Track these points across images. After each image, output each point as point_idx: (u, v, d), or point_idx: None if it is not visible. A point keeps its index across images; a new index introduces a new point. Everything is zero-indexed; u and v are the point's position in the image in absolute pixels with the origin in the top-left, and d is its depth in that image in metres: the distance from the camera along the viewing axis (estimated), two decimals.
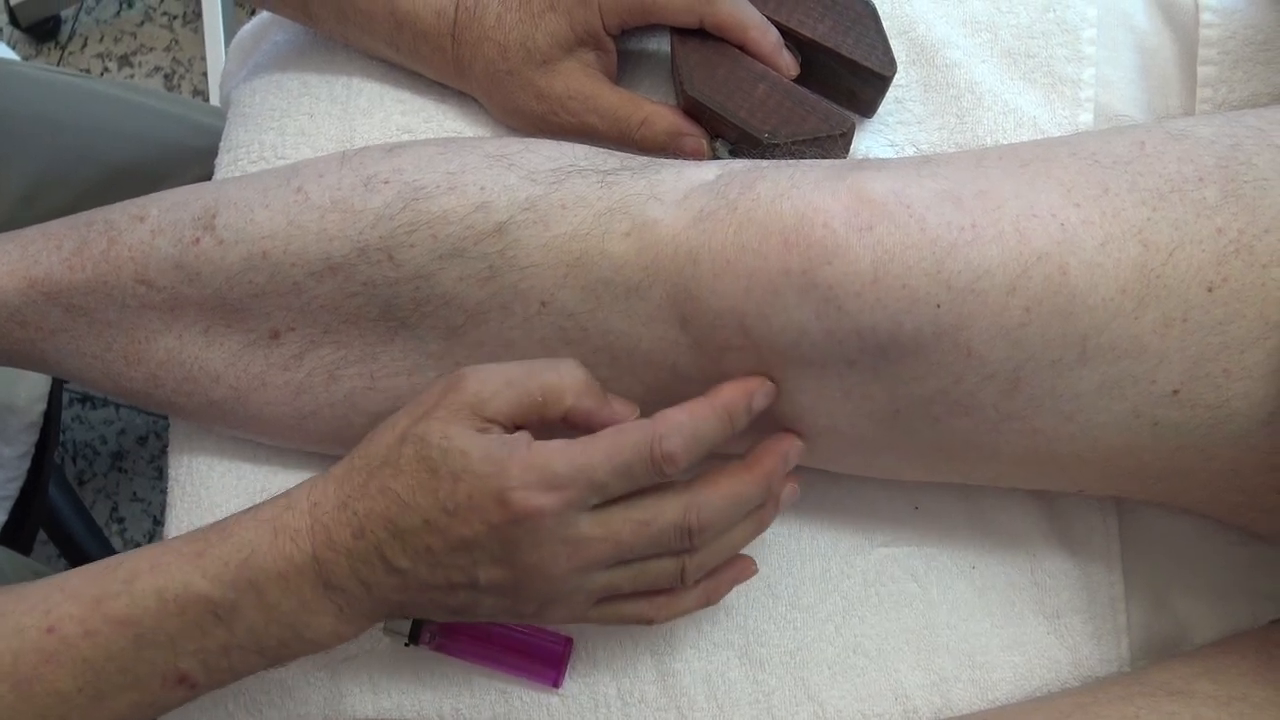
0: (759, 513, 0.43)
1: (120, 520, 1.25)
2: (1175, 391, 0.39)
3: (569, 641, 0.49)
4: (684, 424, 0.39)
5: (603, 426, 0.39)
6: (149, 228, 0.46)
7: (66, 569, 0.41)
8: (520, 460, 0.37)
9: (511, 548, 0.38)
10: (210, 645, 0.39)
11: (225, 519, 0.41)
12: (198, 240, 0.45)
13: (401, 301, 0.44)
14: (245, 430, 0.50)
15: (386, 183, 0.44)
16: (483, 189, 0.43)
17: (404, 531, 0.38)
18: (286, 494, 0.41)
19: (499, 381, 0.39)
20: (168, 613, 0.39)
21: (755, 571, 0.46)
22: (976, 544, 0.50)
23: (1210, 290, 0.38)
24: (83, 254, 0.46)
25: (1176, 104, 0.52)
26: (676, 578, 0.42)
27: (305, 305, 0.45)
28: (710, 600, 0.44)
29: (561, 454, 0.38)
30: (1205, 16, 0.52)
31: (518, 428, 0.40)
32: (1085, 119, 0.52)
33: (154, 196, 0.48)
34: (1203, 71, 0.52)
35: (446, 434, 0.38)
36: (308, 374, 0.46)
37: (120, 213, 0.47)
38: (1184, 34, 0.53)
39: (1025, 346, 0.39)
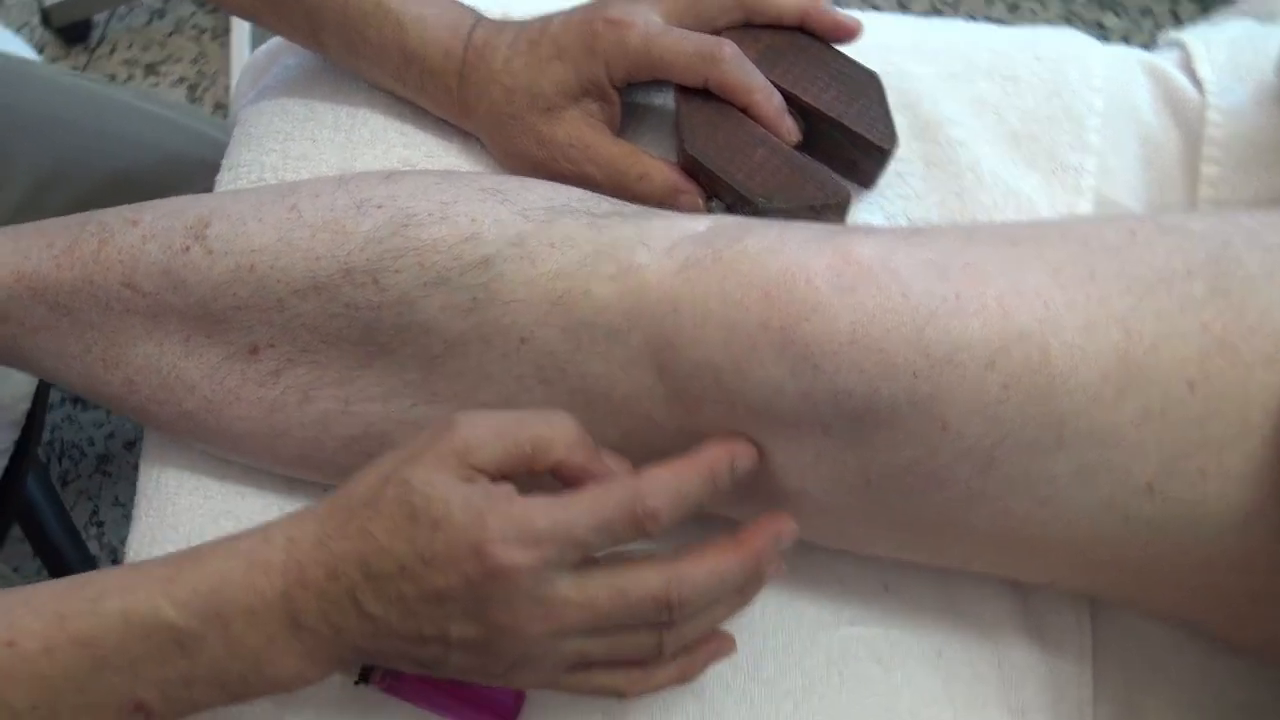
0: (743, 589, 0.41)
1: (100, 524, 1.24)
2: (1149, 485, 0.38)
3: (520, 695, 0.48)
4: (669, 482, 0.38)
5: (593, 481, 0.38)
6: (141, 232, 0.46)
7: (40, 568, 0.40)
8: (500, 513, 0.36)
9: (485, 604, 0.36)
10: (171, 675, 0.37)
11: (202, 545, 0.40)
12: (187, 248, 0.45)
13: (383, 326, 0.44)
14: (216, 444, 0.49)
15: (379, 207, 0.44)
16: (473, 220, 0.43)
17: (378, 576, 0.37)
18: (266, 526, 0.39)
19: (489, 431, 0.38)
20: (132, 637, 0.37)
21: (734, 649, 0.44)
22: (945, 630, 0.49)
23: (1192, 386, 0.38)
24: (73, 253, 0.46)
25: (1177, 199, 0.52)
26: (653, 651, 0.40)
27: (287, 322, 0.45)
28: (685, 678, 0.42)
29: (542, 509, 0.36)
30: (1211, 116, 0.52)
31: (505, 478, 0.38)
32: (1085, 207, 0.52)
33: (152, 203, 0.48)
34: (1206, 170, 0.52)
35: (430, 480, 0.37)
36: (282, 391, 0.46)
37: (115, 215, 0.47)
38: (1189, 131, 0.53)
39: (1002, 424, 0.38)
